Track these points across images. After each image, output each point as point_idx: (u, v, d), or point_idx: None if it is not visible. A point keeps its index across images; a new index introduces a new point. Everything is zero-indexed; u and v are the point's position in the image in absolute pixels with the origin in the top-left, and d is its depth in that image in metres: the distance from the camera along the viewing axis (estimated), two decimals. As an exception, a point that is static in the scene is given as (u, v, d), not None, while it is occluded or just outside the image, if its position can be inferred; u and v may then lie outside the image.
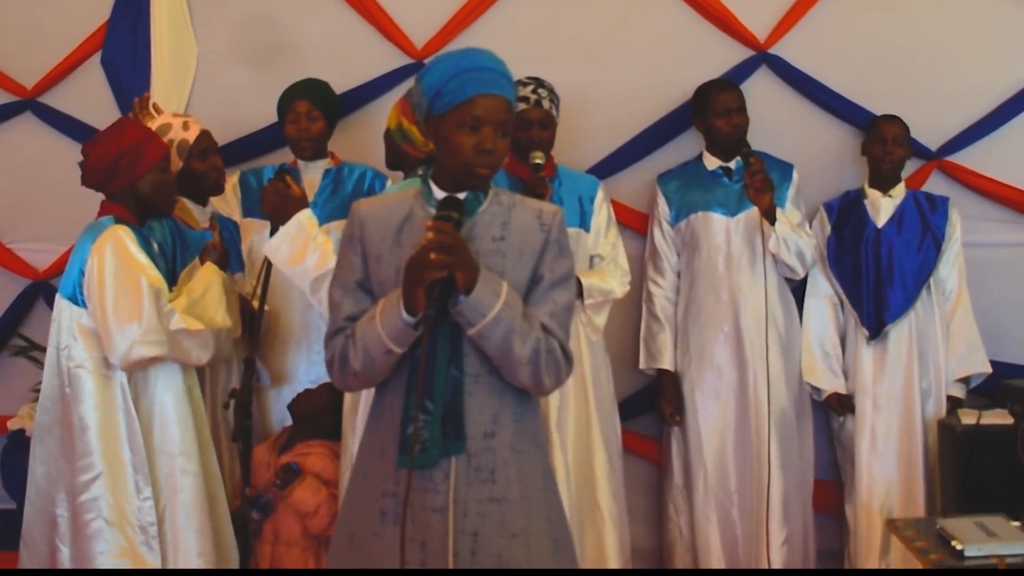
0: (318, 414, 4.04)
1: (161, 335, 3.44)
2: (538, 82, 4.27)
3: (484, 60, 2.68)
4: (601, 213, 4.39)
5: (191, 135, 3.93)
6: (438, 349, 2.64)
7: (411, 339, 2.60)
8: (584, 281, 4.23)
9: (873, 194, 4.57)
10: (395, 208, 2.75)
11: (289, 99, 4.32)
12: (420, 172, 3.49)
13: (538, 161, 4.18)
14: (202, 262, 3.76)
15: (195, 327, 3.52)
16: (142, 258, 3.47)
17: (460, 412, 2.65)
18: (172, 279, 3.78)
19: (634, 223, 4.70)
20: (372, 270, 2.72)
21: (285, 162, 4.43)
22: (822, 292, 4.59)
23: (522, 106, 4.24)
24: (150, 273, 3.46)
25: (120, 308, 3.42)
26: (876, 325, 4.48)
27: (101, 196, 3.64)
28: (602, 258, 4.37)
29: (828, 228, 4.59)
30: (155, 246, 3.65)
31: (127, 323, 3.41)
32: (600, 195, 4.41)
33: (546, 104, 4.25)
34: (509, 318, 2.59)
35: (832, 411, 4.57)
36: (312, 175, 4.35)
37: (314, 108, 4.30)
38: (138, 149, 3.56)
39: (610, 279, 4.32)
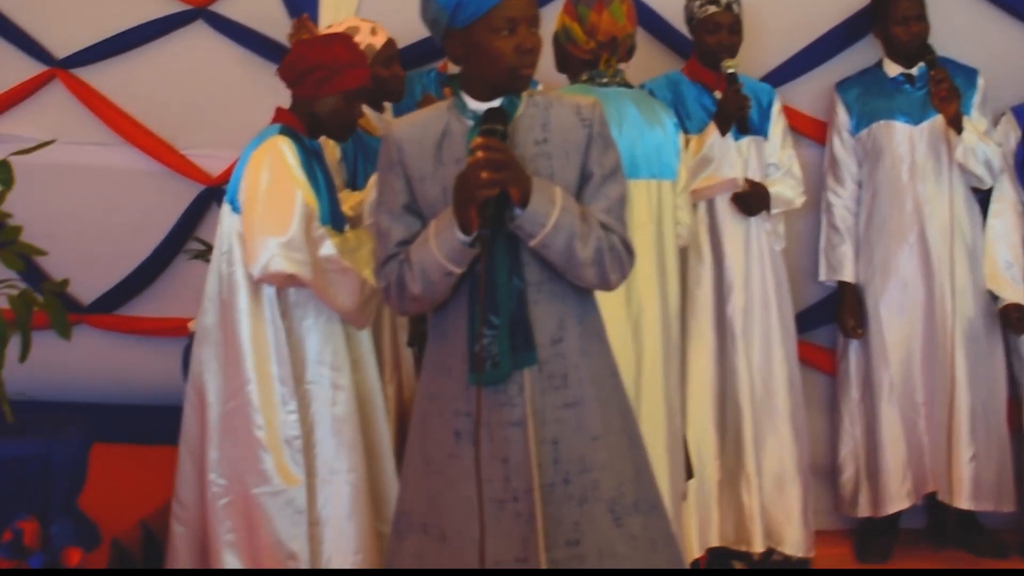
0: None
1: (305, 255, 3.34)
2: None
3: None
4: (779, 122, 4.37)
5: (378, 41, 3.95)
6: (497, 262, 2.59)
7: (469, 258, 2.56)
8: (772, 190, 4.21)
9: None
10: (429, 126, 2.69)
11: None
12: (585, 77, 3.47)
13: (732, 70, 4.12)
14: None
15: (345, 264, 3.42)
16: (299, 174, 3.39)
17: (527, 322, 2.61)
18: (354, 186, 3.79)
19: (810, 131, 4.62)
20: (417, 191, 2.66)
21: (434, 67, 4.41)
22: (1008, 199, 4.44)
23: (712, 9, 4.21)
24: (306, 191, 3.38)
25: (268, 218, 3.34)
26: None
27: (275, 103, 3.62)
28: (777, 167, 4.34)
29: (1018, 134, 4.42)
30: (337, 152, 3.63)
31: (272, 234, 3.32)
32: (778, 104, 4.38)
33: (736, 8, 4.20)
34: (568, 223, 2.55)
35: (1007, 323, 4.43)
36: None
37: None
38: (334, 68, 3.44)
39: (788, 190, 4.31)
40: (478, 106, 2.64)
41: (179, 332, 4.57)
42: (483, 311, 2.58)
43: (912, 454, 4.41)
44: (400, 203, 2.68)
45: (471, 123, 2.62)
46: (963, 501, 4.34)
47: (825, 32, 4.61)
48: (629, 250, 2.67)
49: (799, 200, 4.36)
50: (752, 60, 4.50)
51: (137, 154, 4.87)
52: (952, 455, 4.34)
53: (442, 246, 2.56)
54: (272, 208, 3.36)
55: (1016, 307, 4.39)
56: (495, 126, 2.55)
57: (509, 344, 2.60)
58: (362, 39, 3.90)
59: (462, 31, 2.59)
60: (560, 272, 2.63)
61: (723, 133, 4.12)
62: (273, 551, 3.44)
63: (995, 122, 4.49)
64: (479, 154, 2.48)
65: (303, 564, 3.44)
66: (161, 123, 4.88)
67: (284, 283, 3.43)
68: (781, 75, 4.61)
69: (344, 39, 3.61)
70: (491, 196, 2.49)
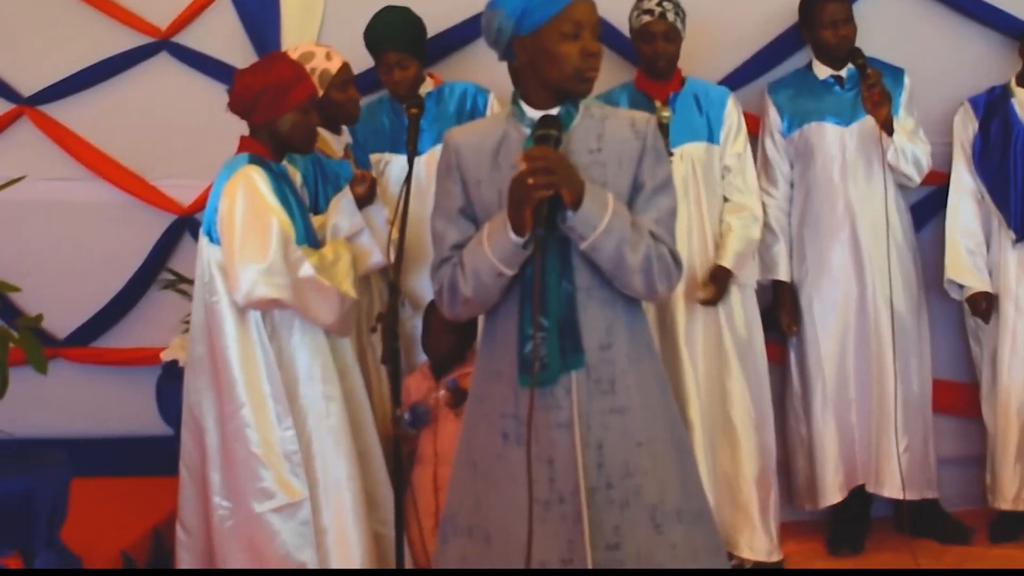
0: (450, 354, 4.11)
1: (285, 278, 3.45)
2: None
3: None
4: (731, 125, 4.37)
5: (333, 65, 4.01)
6: (548, 265, 2.66)
7: (521, 259, 2.65)
8: (728, 263, 4.26)
9: (1021, 93, 4.48)
10: (488, 133, 2.79)
11: (377, 50, 4.29)
12: None
13: (665, 115, 4.15)
14: (353, 192, 3.82)
15: (324, 282, 3.54)
16: (273, 200, 3.49)
17: (576, 326, 2.69)
18: (315, 210, 3.87)
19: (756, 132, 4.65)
20: (473, 196, 2.76)
21: (386, 93, 4.44)
22: (967, 188, 4.53)
23: (646, 19, 4.24)
24: (281, 217, 3.49)
25: (247, 247, 3.44)
26: (1023, 227, 4.41)
27: (241, 130, 3.70)
28: (729, 169, 4.36)
29: (975, 125, 4.51)
30: (298, 177, 3.71)
31: (251, 262, 3.42)
32: (730, 105, 4.39)
33: (671, 16, 4.23)
34: (619, 228, 2.63)
35: (974, 311, 4.52)
36: None
37: (404, 56, 4.24)
38: (283, 87, 3.54)
39: (743, 230, 4.31)
40: (535, 114, 2.73)
41: (152, 361, 4.68)
42: (535, 313, 2.64)
43: (844, 447, 4.49)
44: (456, 207, 2.78)
45: (528, 130, 2.72)
46: (894, 491, 4.40)
47: (772, 39, 4.69)
48: (678, 262, 2.76)
49: (758, 228, 4.37)
50: (704, 67, 4.57)
51: (107, 187, 4.95)
52: (883, 447, 4.42)
53: (495, 247, 2.64)
54: (250, 236, 3.46)
55: (983, 295, 4.48)
56: (549, 131, 2.65)
57: (558, 346, 2.68)
58: (317, 64, 3.98)
59: (528, 38, 2.69)
60: (609, 278, 2.71)
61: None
62: (283, 565, 3.57)
63: (951, 114, 4.58)
64: (522, 165, 2.57)
65: None
66: (130, 155, 4.95)
67: (268, 307, 3.55)
68: (732, 82, 4.65)
69: (280, 56, 3.74)
70: (545, 197, 2.57)
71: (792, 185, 4.56)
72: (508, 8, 2.68)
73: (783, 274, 4.54)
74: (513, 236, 2.61)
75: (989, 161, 4.46)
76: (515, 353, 2.72)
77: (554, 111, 2.72)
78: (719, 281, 4.27)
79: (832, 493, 4.50)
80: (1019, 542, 4.53)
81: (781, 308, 4.56)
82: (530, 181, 2.54)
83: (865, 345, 4.45)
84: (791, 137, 4.52)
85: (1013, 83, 4.49)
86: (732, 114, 4.38)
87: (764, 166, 4.56)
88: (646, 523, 2.72)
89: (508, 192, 2.61)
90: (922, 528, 4.49)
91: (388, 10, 4.33)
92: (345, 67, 4.04)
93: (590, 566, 2.65)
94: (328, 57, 4.01)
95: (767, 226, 4.52)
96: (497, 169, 2.73)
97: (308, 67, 3.88)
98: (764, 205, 4.49)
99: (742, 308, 4.38)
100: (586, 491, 2.67)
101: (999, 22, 4.59)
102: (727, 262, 4.28)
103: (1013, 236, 4.43)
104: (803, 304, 4.54)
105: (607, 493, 2.69)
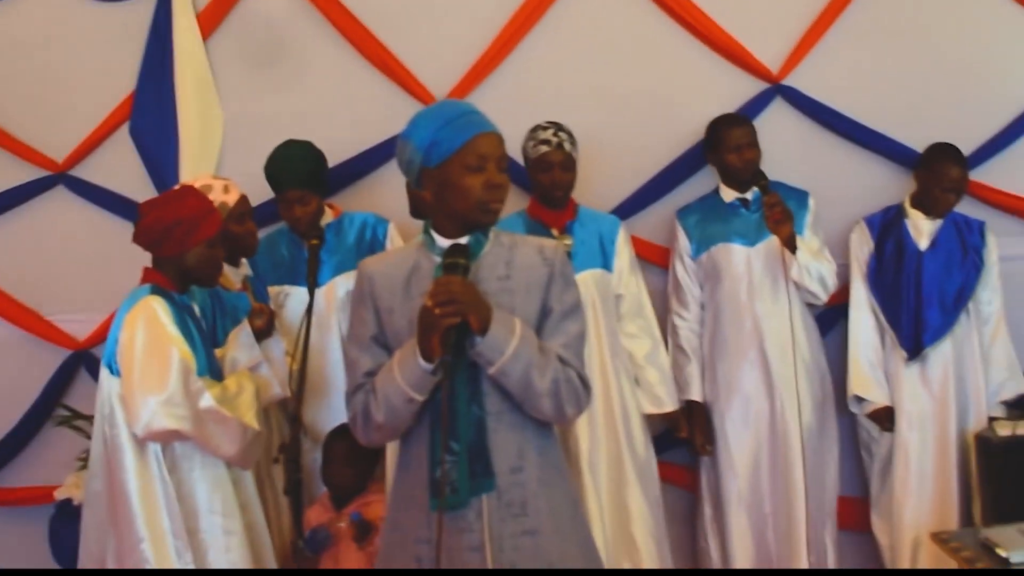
0: (351, 485, 4.11)
1: (185, 410, 3.41)
2: (557, 126, 4.34)
3: (465, 106, 2.80)
4: (623, 254, 4.44)
5: (231, 198, 3.99)
6: (458, 391, 2.70)
7: (431, 385, 2.67)
8: (672, 407, 4.47)
9: (915, 215, 4.57)
10: (401, 262, 2.84)
11: (277, 186, 4.30)
12: None
13: (567, 243, 4.25)
14: (252, 325, 3.80)
15: (225, 413, 3.49)
16: (174, 331, 3.45)
17: (486, 450, 2.72)
18: (213, 343, 3.83)
19: (656, 258, 4.74)
20: (385, 323, 2.79)
21: (284, 225, 4.42)
22: (866, 303, 4.60)
23: (544, 149, 4.31)
24: (182, 348, 3.45)
25: (146, 378, 3.40)
26: (914, 347, 4.48)
27: (139, 264, 3.65)
28: (623, 298, 4.42)
29: (871, 245, 4.60)
30: (196, 309, 3.69)
31: (151, 392, 3.38)
32: (621, 235, 4.46)
33: (567, 146, 4.31)
34: (526, 353, 2.66)
35: (879, 425, 4.56)
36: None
37: (304, 193, 4.26)
38: (194, 220, 3.53)
39: (659, 363, 4.48)
40: (446, 242, 2.76)
41: (46, 500, 4.54)
42: (444, 438, 2.66)
43: (762, 563, 4.48)
44: (368, 334, 2.79)
45: (439, 259, 2.74)
46: None
47: (668, 164, 4.75)
48: (586, 385, 2.77)
49: (664, 355, 4.51)
50: (598, 194, 4.64)
51: (1, 323, 4.85)
52: (795, 561, 4.41)
53: (405, 374, 2.66)
54: (150, 367, 3.41)
55: (885, 409, 4.53)
56: (457, 260, 2.67)
57: (468, 470, 2.68)
58: (216, 196, 3.94)
59: (435, 170, 2.72)
60: (518, 402, 2.72)
61: None
62: None
63: (847, 233, 4.65)
64: (428, 300, 2.59)
65: None
66: (25, 290, 4.88)
67: (168, 439, 3.47)
68: (629, 208, 4.74)
69: (191, 191, 3.69)
70: (453, 325, 2.59)
71: (703, 307, 4.62)
72: (417, 140, 2.73)
73: (696, 394, 4.57)
74: (422, 363, 2.63)
75: (883, 280, 4.55)
76: (427, 478, 2.71)
77: (463, 240, 2.75)
78: (679, 421, 4.52)
79: None
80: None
81: (695, 428, 4.57)
82: (436, 312, 2.57)
83: (776, 461, 4.47)
84: (700, 259, 4.58)
85: (908, 204, 4.60)
86: (623, 243, 4.45)
87: (676, 289, 4.63)
88: None
89: (417, 320, 2.64)
90: None
91: (288, 145, 4.34)
92: (243, 200, 4.01)
93: None
94: (226, 190, 3.98)
95: (679, 347, 4.58)
96: (409, 298, 2.76)
97: None
98: (676, 327, 4.58)
99: (641, 431, 4.40)
100: None
101: (892, 151, 4.71)
102: (670, 406, 4.47)
103: (905, 356, 4.50)
104: (716, 424, 4.56)
105: None
